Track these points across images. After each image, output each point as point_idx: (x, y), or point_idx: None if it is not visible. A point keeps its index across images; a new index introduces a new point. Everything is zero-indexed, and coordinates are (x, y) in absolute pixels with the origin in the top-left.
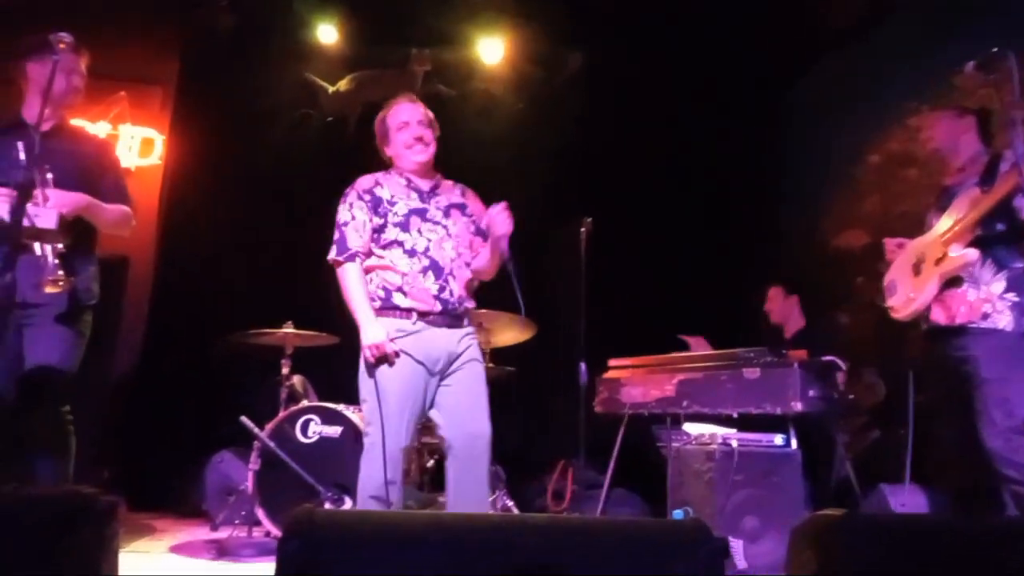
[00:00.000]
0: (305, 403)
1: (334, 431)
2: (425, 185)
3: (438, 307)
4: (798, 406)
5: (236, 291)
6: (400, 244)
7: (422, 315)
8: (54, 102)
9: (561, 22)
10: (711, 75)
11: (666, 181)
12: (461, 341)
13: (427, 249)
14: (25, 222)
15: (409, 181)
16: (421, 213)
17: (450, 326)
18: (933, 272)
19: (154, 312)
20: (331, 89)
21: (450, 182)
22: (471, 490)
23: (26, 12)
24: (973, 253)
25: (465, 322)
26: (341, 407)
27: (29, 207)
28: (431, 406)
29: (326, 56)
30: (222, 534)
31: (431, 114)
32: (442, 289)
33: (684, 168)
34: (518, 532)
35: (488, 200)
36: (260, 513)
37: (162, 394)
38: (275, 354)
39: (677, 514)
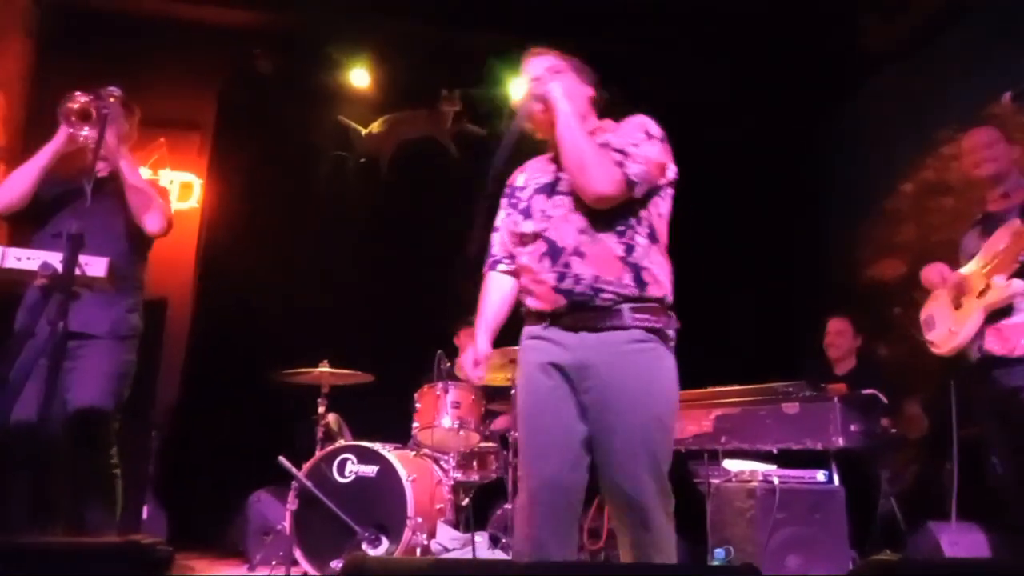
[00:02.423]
0: (341, 442)
1: (370, 470)
2: None
3: (561, 301)
4: (839, 441)
5: (273, 331)
6: (524, 234)
7: (554, 318)
8: (107, 151)
9: (590, 58)
10: (749, 102)
11: (702, 211)
12: (599, 346)
13: (545, 229)
14: (76, 271)
15: (554, 155)
16: (548, 188)
17: (589, 327)
18: (976, 305)
19: (192, 353)
20: (364, 131)
21: (617, 124)
22: (630, 552)
23: (72, 65)
24: (1020, 284)
25: (620, 320)
26: (377, 446)
27: (80, 257)
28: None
29: (359, 99)
30: (260, 574)
31: (573, 60)
32: (561, 277)
33: (721, 198)
34: None
35: None
36: (298, 553)
37: (200, 434)
38: (311, 393)
39: (719, 553)
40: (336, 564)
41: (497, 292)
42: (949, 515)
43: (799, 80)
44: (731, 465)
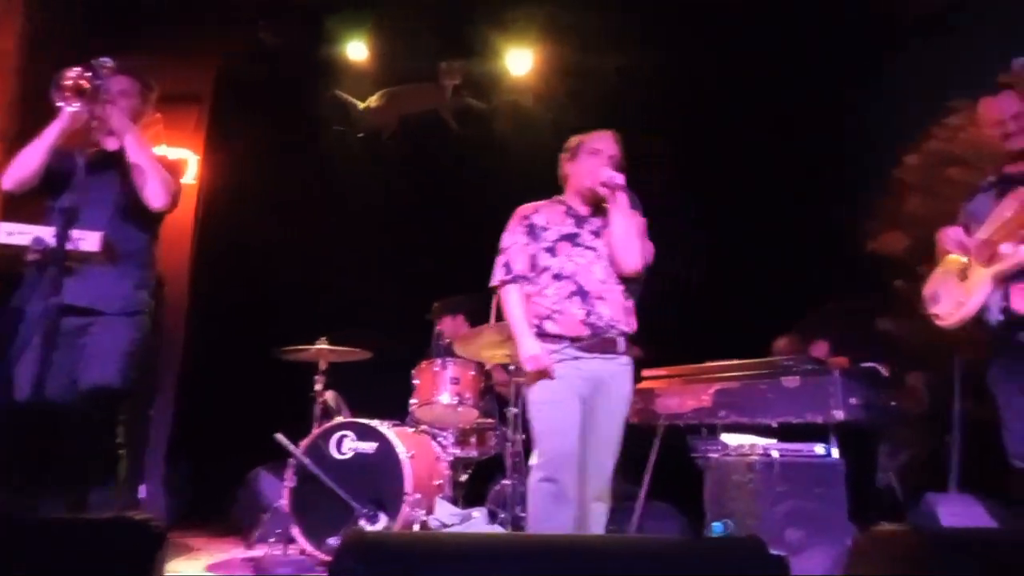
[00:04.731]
0: (339, 419)
1: (369, 447)
2: (585, 210)
3: (586, 332)
4: (840, 415)
5: (271, 308)
6: (548, 269)
7: (572, 340)
8: (109, 126)
9: (590, 30)
10: (761, 74)
11: (705, 186)
12: (612, 373)
13: (574, 273)
14: (69, 246)
15: (569, 208)
16: (572, 238)
17: (603, 351)
18: (984, 275)
19: (190, 330)
20: (362, 106)
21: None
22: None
23: (67, 39)
24: None
25: (619, 348)
26: (376, 423)
27: (74, 232)
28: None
29: (357, 73)
30: (258, 552)
31: (623, 162)
32: (589, 313)
33: (727, 171)
34: (573, 552)
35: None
36: (295, 531)
37: (198, 412)
38: (309, 370)
39: (717, 527)
40: (333, 541)
41: (524, 302)
42: (948, 488)
43: (818, 51)
44: (730, 439)
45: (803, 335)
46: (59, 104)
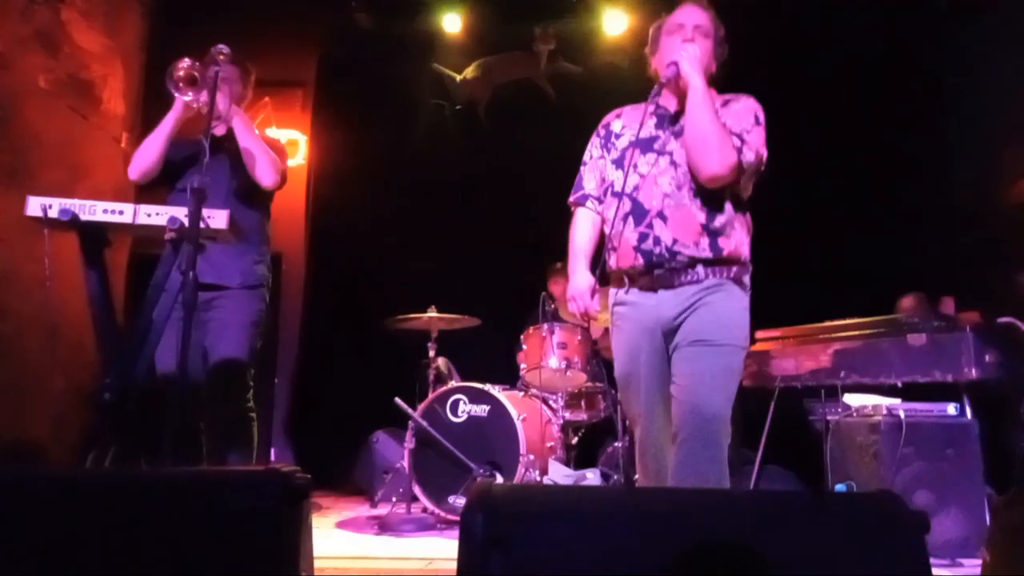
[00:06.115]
0: (453, 384)
1: (482, 410)
2: (675, 105)
3: (640, 262)
4: (973, 372)
5: (383, 279)
6: (611, 185)
7: (632, 278)
8: (220, 112)
9: None
10: (869, 11)
11: (817, 132)
12: (684, 301)
13: (635, 187)
14: (200, 224)
15: (659, 106)
16: (647, 143)
17: (665, 286)
18: None
19: (308, 304)
20: (459, 77)
21: (722, 96)
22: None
23: (180, 32)
24: None
25: (692, 276)
26: (488, 387)
27: (204, 211)
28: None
29: (453, 45)
30: (382, 510)
31: (721, 28)
32: (643, 237)
33: (837, 117)
34: (704, 507)
35: None
36: (417, 490)
37: (319, 380)
38: (421, 338)
39: (840, 488)
40: (454, 499)
41: (589, 228)
42: None
43: None
44: (852, 400)
45: (930, 293)
46: (174, 94)
